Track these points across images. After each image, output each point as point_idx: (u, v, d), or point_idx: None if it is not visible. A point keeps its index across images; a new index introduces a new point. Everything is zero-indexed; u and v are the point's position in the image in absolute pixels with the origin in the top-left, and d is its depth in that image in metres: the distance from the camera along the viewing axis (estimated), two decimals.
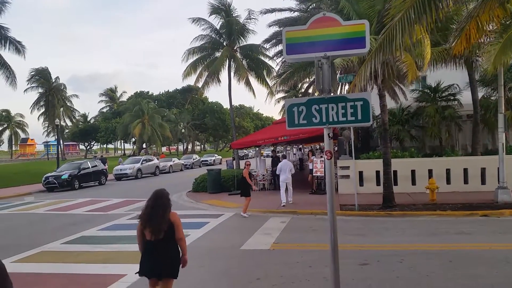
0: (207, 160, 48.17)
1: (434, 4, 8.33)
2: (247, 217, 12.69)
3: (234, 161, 25.43)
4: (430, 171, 15.43)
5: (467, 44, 9.89)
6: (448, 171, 15.52)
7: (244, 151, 56.54)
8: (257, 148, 23.00)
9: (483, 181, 15.20)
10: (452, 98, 18.91)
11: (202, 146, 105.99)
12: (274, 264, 7.74)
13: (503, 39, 10.80)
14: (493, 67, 10.87)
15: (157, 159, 39.04)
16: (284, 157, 16.28)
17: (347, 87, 18.29)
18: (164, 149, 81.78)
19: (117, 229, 11.76)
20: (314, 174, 16.94)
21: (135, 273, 5.15)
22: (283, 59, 22.24)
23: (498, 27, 11.24)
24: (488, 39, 13.28)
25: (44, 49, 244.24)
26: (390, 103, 18.44)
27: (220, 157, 52.81)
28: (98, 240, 10.46)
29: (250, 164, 14.22)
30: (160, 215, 4.89)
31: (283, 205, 14.15)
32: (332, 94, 4.30)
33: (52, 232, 11.66)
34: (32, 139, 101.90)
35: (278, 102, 48.18)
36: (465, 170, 15.41)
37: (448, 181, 15.46)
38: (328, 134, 4.30)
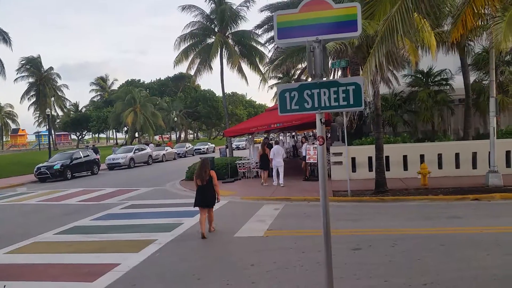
0: (200, 149, 47.80)
1: None
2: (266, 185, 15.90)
3: (227, 149, 25.36)
4: (422, 156, 15.50)
5: (464, 30, 9.84)
6: (440, 156, 15.62)
7: (244, 138, 56.48)
8: (250, 136, 22.95)
9: (474, 166, 15.32)
10: (444, 83, 18.94)
11: (195, 134, 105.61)
12: (267, 250, 7.77)
13: (506, 17, 10.70)
14: (505, 43, 10.55)
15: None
16: (277, 143, 17.49)
17: (340, 72, 18.24)
18: (156, 138, 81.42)
19: (110, 219, 11.73)
20: (307, 161, 16.96)
21: (193, 206, 9.21)
22: (276, 45, 22.09)
23: (493, 10, 11.15)
24: (481, 23, 13.24)
25: (31, 37, 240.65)
26: (383, 88, 18.40)
27: (214, 145, 52.51)
28: (91, 230, 10.42)
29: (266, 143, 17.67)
30: (205, 171, 9.04)
31: (274, 184, 15.94)
32: (324, 79, 4.26)
33: (45, 223, 11.60)
34: (23, 130, 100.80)
35: (271, 88, 47.85)
36: (457, 155, 15.51)
37: (440, 166, 15.56)
38: (320, 119, 4.27)
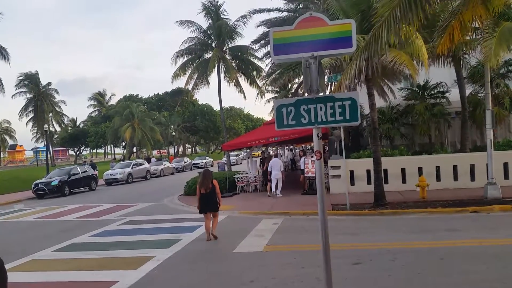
0: (198, 163, 47.61)
1: (420, 2, 8.41)
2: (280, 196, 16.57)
3: (225, 163, 25.34)
4: (420, 169, 15.52)
5: (451, 44, 9.97)
6: (437, 169, 15.64)
7: (241, 152, 56.46)
8: (248, 150, 22.97)
9: (472, 178, 15.33)
10: (440, 95, 19.09)
11: (193, 148, 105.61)
12: (267, 266, 7.72)
13: (496, 32, 10.88)
14: (495, 60, 10.76)
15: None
16: (276, 156, 18.71)
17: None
18: (155, 152, 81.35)
19: (109, 235, 11.64)
20: (305, 175, 16.97)
21: (199, 212, 10.07)
22: (272, 60, 22.27)
23: (481, 25, 11.32)
24: (475, 36, 13.42)
25: (29, 52, 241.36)
26: (379, 102, 18.54)
27: (212, 159, 52.46)
28: (89, 246, 10.34)
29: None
30: (208, 180, 9.93)
31: (269, 195, 16.95)
32: (320, 94, 4.30)
33: (43, 240, 11.51)
34: (20, 146, 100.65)
35: (268, 102, 48.17)
36: (455, 167, 15.53)
37: (438, 178, 15.57)
38: (317, 134, 4.29)
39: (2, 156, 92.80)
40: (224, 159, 39.25)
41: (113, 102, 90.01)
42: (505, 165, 15.07)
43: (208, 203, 9.95)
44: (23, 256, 9.56)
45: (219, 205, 10.19)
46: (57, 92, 73.29)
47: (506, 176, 14.99)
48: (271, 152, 27.50)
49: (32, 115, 69.47)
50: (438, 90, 19.21)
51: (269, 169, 17.11)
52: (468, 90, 18.17)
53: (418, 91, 19.54)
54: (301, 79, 25.32)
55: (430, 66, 15.89)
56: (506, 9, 12.12)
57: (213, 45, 27.34)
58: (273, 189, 16.86)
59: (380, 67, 11.66)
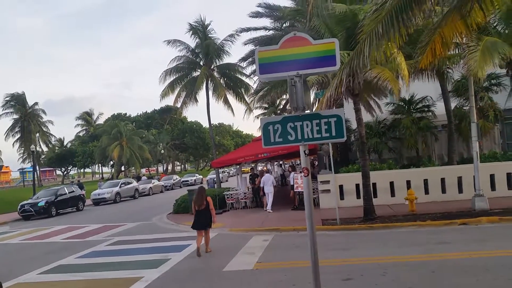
0: (188, 180, 47.20)
1: (402, 19, 8.62)
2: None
3: (215, 181, 25.24)
4: (408, 182, 15.63)
5: (433, 58, 10.17)
6: (426, 181, 15.76)
7: (226, 169, 56.25)
8: (238, 166, 22.94)
9: (460, 190, 15.47)
10: (426, 109, 19.35)
11: (183, 166, 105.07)
12: (257, 284, 7.64)
13: (480, 46, 11.14)
14: (482, 73, 10.97)
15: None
16: (268, 172, 19.36)
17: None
18: (143, 171, 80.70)
19: (96, 256, 11.44)
20: (295, 190, 16.94)
21: (191, 227, 10.56)
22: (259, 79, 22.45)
23: (461, 41, 11.60)
24: (458, 51, 13.72)
25: (16, 72, 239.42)
26: (367, 117, 18.73)
27: (201, 176, 52.11)
28: (76, 268, 10.14)
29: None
30: (202, 197, 10.37)
31: (265, 210, 17.23)
32: (307, 111, 4.34)
33: (28, 262, 11.26)
34: (7, 167, 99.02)
35: (257, 118, 48.35)
36: (442, 180, 15.67)
37: (427, 191, 15.68)
38: (304, 151, 4.32)
39: None
40: (209, 176, 39.55)
41: (101, 121, 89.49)
42: (492, 176, 15.25)
43: (202, 220, 10.33)
44: (8, 279, 9.32)
45: (214, 222, 10.57)
46: (44, 112, 72.85)
47: (493, 187, 15.16)
48: (260, 168, 27.55)
49: (19, 135, 68.68)
50: (423, 104, 19.48)
51: (261, 185, 17.69)
52: (453, 104, 18.47)
53: (404, 105, 19.80)
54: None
55: (415, 80, 16.15)
56: (486, 24, 12.42)
57: (201, 63, 27.54)
58: (268, 203, 17.30)
59: (362, 81, 11.86)
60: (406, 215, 13.31)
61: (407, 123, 18.55)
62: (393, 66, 11.78)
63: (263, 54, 4.31)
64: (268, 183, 17.31)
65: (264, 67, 4.30)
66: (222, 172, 50.06)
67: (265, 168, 29.79)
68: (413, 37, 12.63)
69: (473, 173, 13.51)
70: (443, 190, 15.65)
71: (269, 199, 17.28)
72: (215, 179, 26.39)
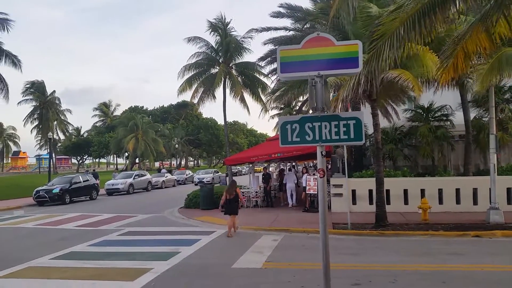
0: (203, 179, 39.21)
1: (424, 21, 8.54)
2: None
3: (227, 177, 25.29)
4: (422, 191, 15.45)
5: (455, 74, 9.97)
6: (440, 191, 15.56)
7: (238, 167, 56.15)
8: (251, 165, 22.97)
9: (475, 202, 15.24)
10: (444, 118, 19.07)
11: (196, 161, 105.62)
12: (265, 283, 7.64)
13: (492, 59, 11.00)
14: (481, 86, 10.98)
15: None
16: (290, 170, 23.27)
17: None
18: (157, 164, 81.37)
19: (107, 245, 11.59)
20: (307, 192, 16.90)
21: (221, 211, 13.03)
22: (278, 77, 22.41)
23: (485, 56, 11.39)
24: (478, 61, 13.50)
25: (36, 61, 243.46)
26: (383, 122, 18.56)
27: (219, 173, 43.84)
28: (87, 256, 10.29)
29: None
30: (233, 188, 12.67)
31: (290, 206, 18.88)
32: (326, 112, 4.33)
33: (41, 247, 11.46)
34: (24, 152, 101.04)
35: (272, 118, 48.29)
36: (457, 190, 15.45)
37: (441, 201, 15.48)
38: (321, 152, 4.30)
39: (5, 162, 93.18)
40: (219, 173, 38.93)
41: (118, 112, 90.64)
42: (508, 190, 14.99)
43: (232, 207, 12.47)
44: (21, 262, 9.51)
45: (240, 207, 13.31)
46: (60, 101, 73.82)
47: (509, 201, 14.90)
48: (271, 169, 27.80)
49: (37, 122, 69.92)
50: (442, 112, 19.20)
51: (284, 182, 20.12)
52: (472, 114, 18.18)
53: (422, 113, 19.54)
54: (305, 97, 25.48)
55: (434, 89, 15.96)
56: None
57: (220, 60, 27.62)
58: (289, 201, 19.25)
59: (379, 82, 11.74)
60: (418, 223, 13.16)
61: (424, 131, 18.30)
62: (417, 71, 11.73)
63: (285, 53, 4.31)
64: (290, 180, 19.29)
65: (286, 66, 4.30)
66: (210, 173, 43.47)
67: (271, 169, 30.11)
68: (435, 45, 12.49)
69: (489, 186, 13.29)
70: (458, 201, 15.42)
71: (293, 195, 19.20)
72: (221, 176, 26.69)
